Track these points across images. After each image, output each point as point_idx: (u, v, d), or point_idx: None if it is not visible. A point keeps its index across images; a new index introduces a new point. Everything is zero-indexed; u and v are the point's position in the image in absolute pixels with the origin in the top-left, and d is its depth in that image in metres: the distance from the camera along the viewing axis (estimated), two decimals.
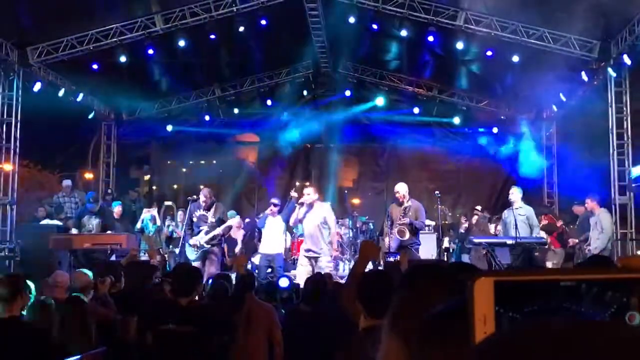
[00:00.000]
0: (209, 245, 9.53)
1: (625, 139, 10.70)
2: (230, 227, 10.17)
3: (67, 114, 12.92)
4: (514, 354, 0.59)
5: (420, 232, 9.85)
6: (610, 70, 10.54)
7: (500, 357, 0.60)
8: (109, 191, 14.82)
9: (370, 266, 4.47)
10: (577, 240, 10.68)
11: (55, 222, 11.46)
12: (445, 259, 11.28)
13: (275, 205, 10.50)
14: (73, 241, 9.77)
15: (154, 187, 16.99)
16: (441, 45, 12.34)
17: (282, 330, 5.35)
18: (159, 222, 12.27)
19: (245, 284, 5.47)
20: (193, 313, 4.48)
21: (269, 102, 15.97)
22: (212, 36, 12.08)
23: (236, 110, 15.99)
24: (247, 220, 13.28)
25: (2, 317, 3.71)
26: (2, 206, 11.30)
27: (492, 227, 12.21)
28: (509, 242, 9.42)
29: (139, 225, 12.16)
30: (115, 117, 15.63)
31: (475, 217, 12.35)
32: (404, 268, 8.43)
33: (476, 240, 10.39)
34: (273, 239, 10.31)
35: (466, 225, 12.47)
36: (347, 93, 15.63)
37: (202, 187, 10.25)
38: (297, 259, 11.91)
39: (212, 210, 9.67)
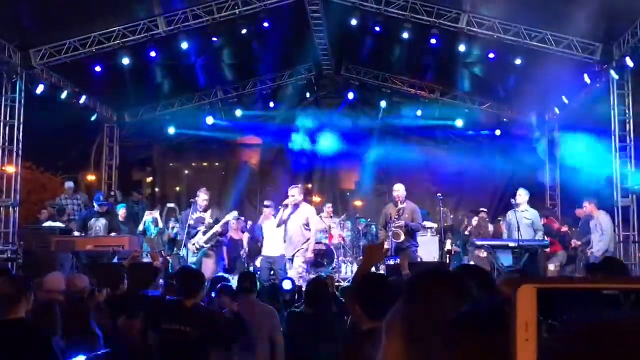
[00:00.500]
0: (208, 246, 9.60)
1: (628, 141, 10.68)
2: (227, 223, 10.22)
3: (70, 116, 12.95)
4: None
5: (423, 234, 9.84)
6: (612, 72, 10.53)
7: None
8: (112, 193, 14.83)
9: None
10: (579, 243, 10.68)
11: (58, 224, 11.48)
12: (448, 262, 11.26)
13: (267, 207, 10.53)
14: (76, 243, 9.79)
15: (157, 190, 17.01)
16: (444, 47, 12.34)
17: (284, 332, 5.35)
18: (161, 225, 12.29)
19: (246, 286, 5.48)
20: (198, 315, 4.48)
21: (271, 105, 15.99)
22: (215, 39, 12.11)
23: (239, 113, 15.99)
24: (249, 223, 13.27)
25: (6, 318, 3.72)
26: (5, 208, 11.32)
27: (490, 228, 12.20)
28: (512, 244, 9.40)
29: (141, 227, 12.18)
30: (118, 120, 15.65)
31: (477, 219, 12.34)
32: (404, 271, 8.45)
33: (479, 243, 10.38)
34: (274, 241, 10.31)
35: (469, 227, 12.45)
36: (350, 96, 15.64)
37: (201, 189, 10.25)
38: None
39: (209, 212, 9.83)
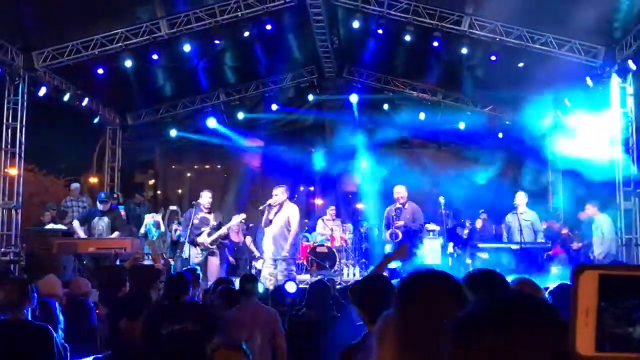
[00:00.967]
0: (213, 246, 9.69)
1: (630, 144, 10.67)
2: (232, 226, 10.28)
3: (72, 118, 12.96)
4: None
5: (425, 237, 9.83)
6: (615, 75, 10.52)
7: None
8: (115, 195, 14.84)
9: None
10: (580, 245, 10.67)
11: (60, 226, 11.48)
12: (450, 264, 11.25)
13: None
14: (78, 245, 9.80)
15: (159, 192, 17.02)
16: (446, 50, 12.34)
17: (286, 335, 5.34)
18: (162, 228, 12.30)
19: (248, 288, 5.47)
20: (194, 309, 4.50)
21: (273, 107, 16.00)
22: (217, 41, 12.12)
23: (241, 115, 16.00)
24: (251, 225, 13.28)
25: (9, 319, 3.73)
26: (7, 210, 11.34)
27: (492, 230, 12.20)
28: (514, 247, 9.39)
29: (142, 230, 12.18)
30: (120, 122, 15.65)
31: (479, 221, 12.33)
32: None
33: (481, 245, 10.37)
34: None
35: (471, 229, 12.45)
36: (352, 98, 15.64)
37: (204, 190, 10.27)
38: (302, 264, 11.94)
39: (213, 214, 9.95)
